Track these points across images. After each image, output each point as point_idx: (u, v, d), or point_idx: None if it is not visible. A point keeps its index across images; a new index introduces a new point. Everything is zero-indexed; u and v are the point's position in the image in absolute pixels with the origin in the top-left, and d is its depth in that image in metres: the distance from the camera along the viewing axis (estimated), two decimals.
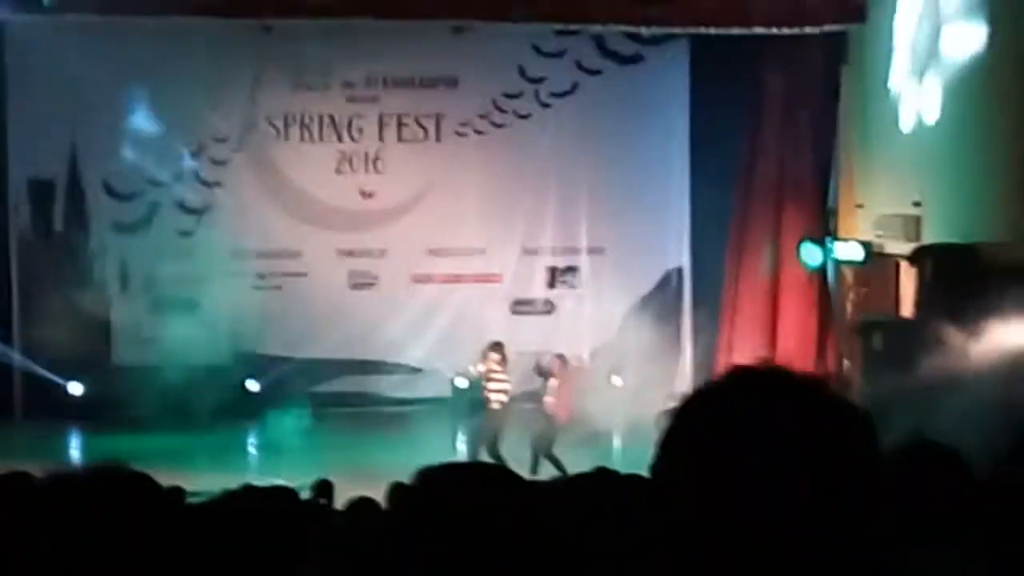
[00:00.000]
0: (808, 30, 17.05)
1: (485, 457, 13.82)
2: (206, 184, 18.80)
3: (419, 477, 2.34)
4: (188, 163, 18.67)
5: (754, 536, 1.59)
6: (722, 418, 1.65)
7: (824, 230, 17.81)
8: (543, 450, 14.24)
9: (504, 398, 14.62)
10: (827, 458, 1.60)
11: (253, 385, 18.17)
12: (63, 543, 2.19)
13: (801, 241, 17.73)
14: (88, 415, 17.37)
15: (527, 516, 2.31)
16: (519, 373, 15.53)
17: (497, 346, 15.09)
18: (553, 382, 14.73)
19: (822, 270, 17.80)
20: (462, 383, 17.36)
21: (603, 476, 4.40)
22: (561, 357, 15.23)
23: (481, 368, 14.96)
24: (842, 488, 1.60)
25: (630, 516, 3.27)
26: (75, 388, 17.93)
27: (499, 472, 2.51)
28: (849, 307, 17.42)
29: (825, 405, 1.67)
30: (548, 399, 14.66)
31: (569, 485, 4.26)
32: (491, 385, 14.72)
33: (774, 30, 17.37)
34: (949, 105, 14.72)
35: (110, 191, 18.57)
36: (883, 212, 16.36)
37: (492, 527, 2.24)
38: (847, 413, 1.67)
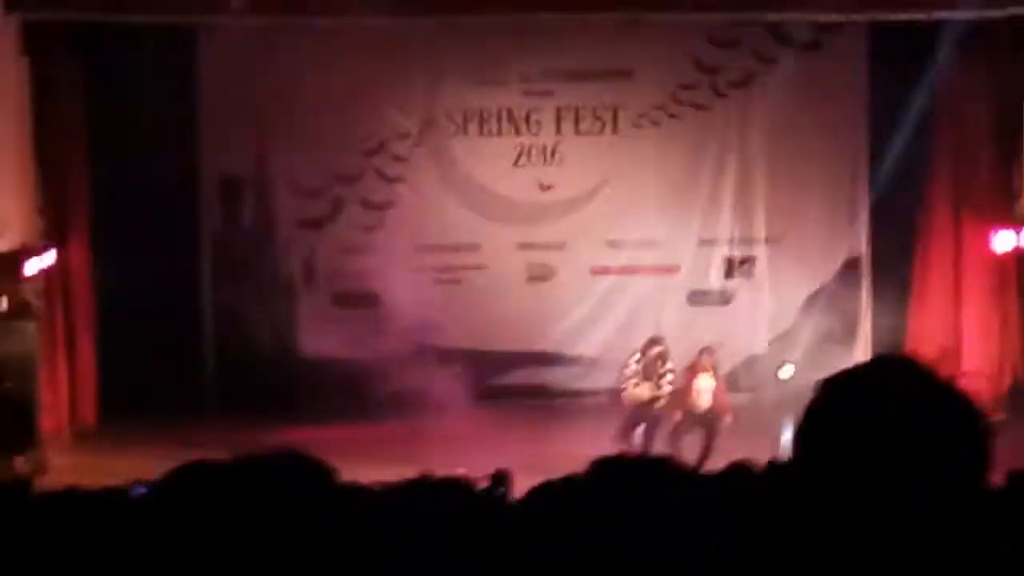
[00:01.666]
0: (990, 14, 16.69)
1: (659, 448, 13.90)
2: (388, 180, 19.09)
3: (589, 470, 2.45)
4: (370, 160, 19.01)
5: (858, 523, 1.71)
6: (847, 406, 1.77)
7: (1009, 215, 17.42)
8: (707, 443, 14.30)
9: (669, 389, 14.71)
10: (936, 450, 1.72)
11: (434, 377, 18.42)
12: (240, 529, 2.29)
13: (986, 227, 17.36)
14: (275, 406, 17.93)
15: (688, 510, 2.40)
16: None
17: (657, 340, 15.16)
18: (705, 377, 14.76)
19: (1008, 256, 17.40)
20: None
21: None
22: (709, 351, 15.17)
23: (642, 362, 15.05)
24: (946, 477, 1.72)
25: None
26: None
27: (666, 466, 2.59)
28: None
29: (945, 400, 1.77)
30: (702, 394, 14.71)
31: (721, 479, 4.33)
32: (656, 379, 14.81)
33: (955, 14, 17.05)
34: None
35: (295, 188, 19.00)
36: None
37: (655, 520, 2.33)
38: (965, 410, 1.82)
